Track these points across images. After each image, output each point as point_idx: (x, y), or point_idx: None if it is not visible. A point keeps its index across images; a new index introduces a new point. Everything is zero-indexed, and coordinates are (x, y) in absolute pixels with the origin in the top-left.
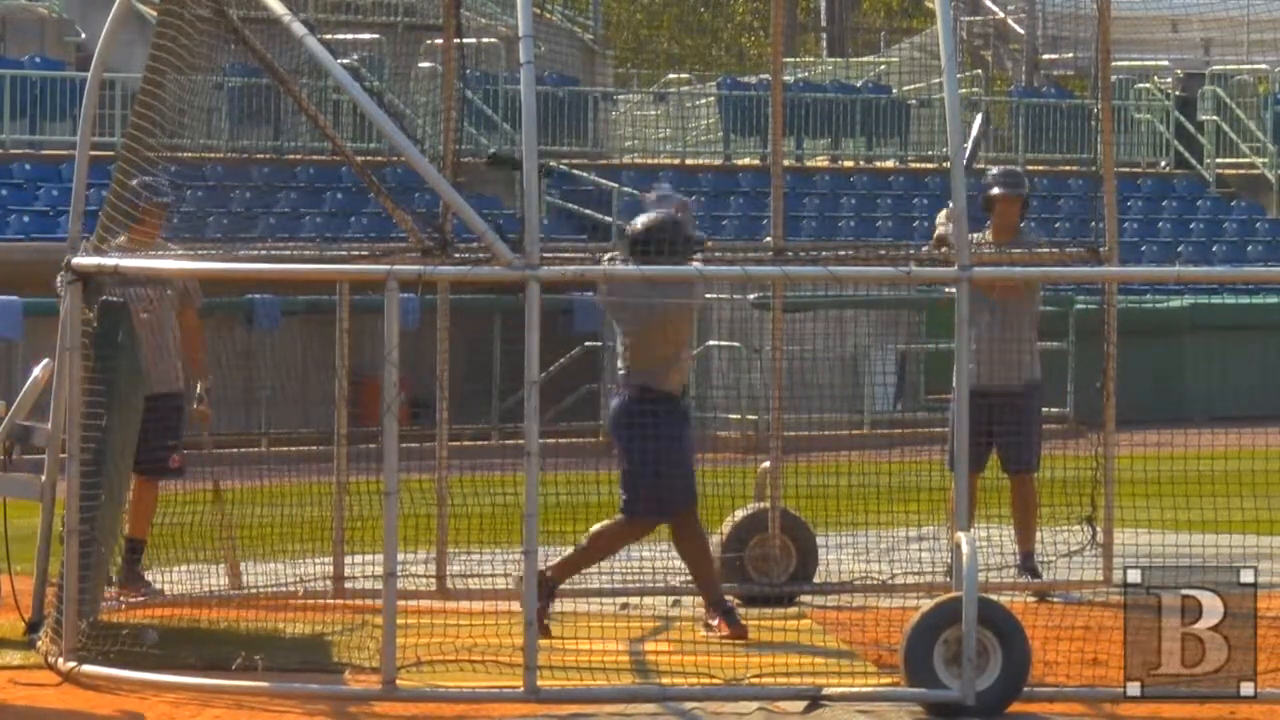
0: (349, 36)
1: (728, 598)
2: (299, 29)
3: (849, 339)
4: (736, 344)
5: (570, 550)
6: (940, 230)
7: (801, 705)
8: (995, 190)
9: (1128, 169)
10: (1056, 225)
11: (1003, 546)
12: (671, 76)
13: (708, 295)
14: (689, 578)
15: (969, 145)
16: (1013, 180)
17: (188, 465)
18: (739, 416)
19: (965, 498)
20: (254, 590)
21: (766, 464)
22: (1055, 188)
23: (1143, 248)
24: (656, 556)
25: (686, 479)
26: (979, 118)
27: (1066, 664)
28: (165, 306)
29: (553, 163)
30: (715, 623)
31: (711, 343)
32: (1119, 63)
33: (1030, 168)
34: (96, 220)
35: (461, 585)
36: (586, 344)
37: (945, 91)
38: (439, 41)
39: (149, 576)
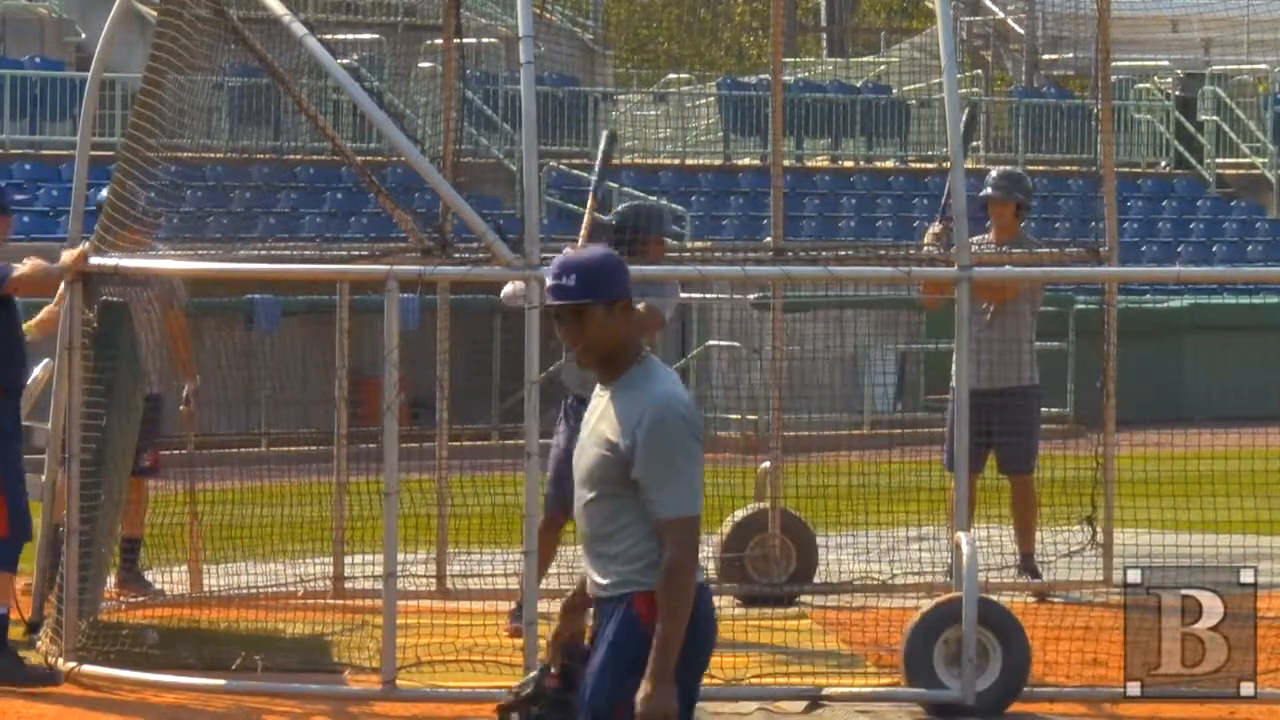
0: (349, 36)
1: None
2: (299, 29)
3: (849, 339)
4: (736, 344)
5: None
6: (927, 243)
7: (801, 705)
8: (985, 192)
9: (1128, 169)
10: (1056, 225)
11: (1003, 546)
12: (671, 76)
13: (707, 295)
14: None
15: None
16: (1005, 183)
17: (179, 466)
18: (739, 416)
19: (965, 498)
20: (254, 590)
21: (766, 464)
22: (1055, 188)
23: (1143, 248)
24: None
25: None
26: (966, 112)
27: (1066, 664)
28: (154, 306)
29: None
30: None
31: (711, 343)
32: (1119, 63)
33: (1030, 168)
34: (96, 220)
35: (461, 585)
36: None
37: (945, 91)
38: (439, 41)
39: (149, 577)
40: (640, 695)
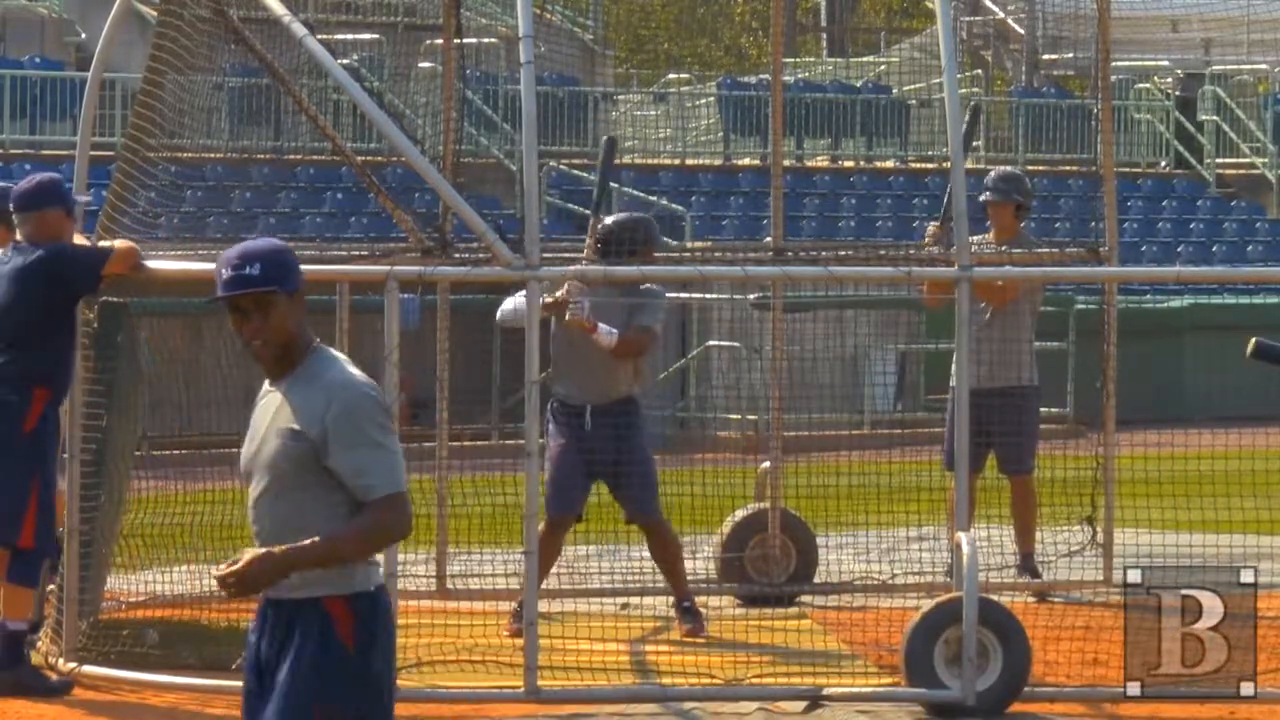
0: (349, 36)
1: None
2: (299, 29)
3: (849, 339)
4: (736, 344)
5: None
6: (928, 243)
7: (801, 705)
8: (984, 196)
9: (1128, 169)
10: (1056, 225)
11: (1003, 546)
12: (671, 76)
13: (707, 295)
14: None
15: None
16: (1003, 185)
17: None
18: (739, 416)
19: (965, 498)
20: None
21: (766, 464)
22: (1055, 188)
23: (1143, 248)
24: None
25: (577, 484)
26: (969, 110)
27: (1066, 664)
28: None
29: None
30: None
31: (711, 343)
32: (1119, 63)
33: (1030, 168)
34: (96, 220)
35: (461, 585)
36: None
37: (945, 91)
38: (439, 41)
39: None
40: (253, 553)
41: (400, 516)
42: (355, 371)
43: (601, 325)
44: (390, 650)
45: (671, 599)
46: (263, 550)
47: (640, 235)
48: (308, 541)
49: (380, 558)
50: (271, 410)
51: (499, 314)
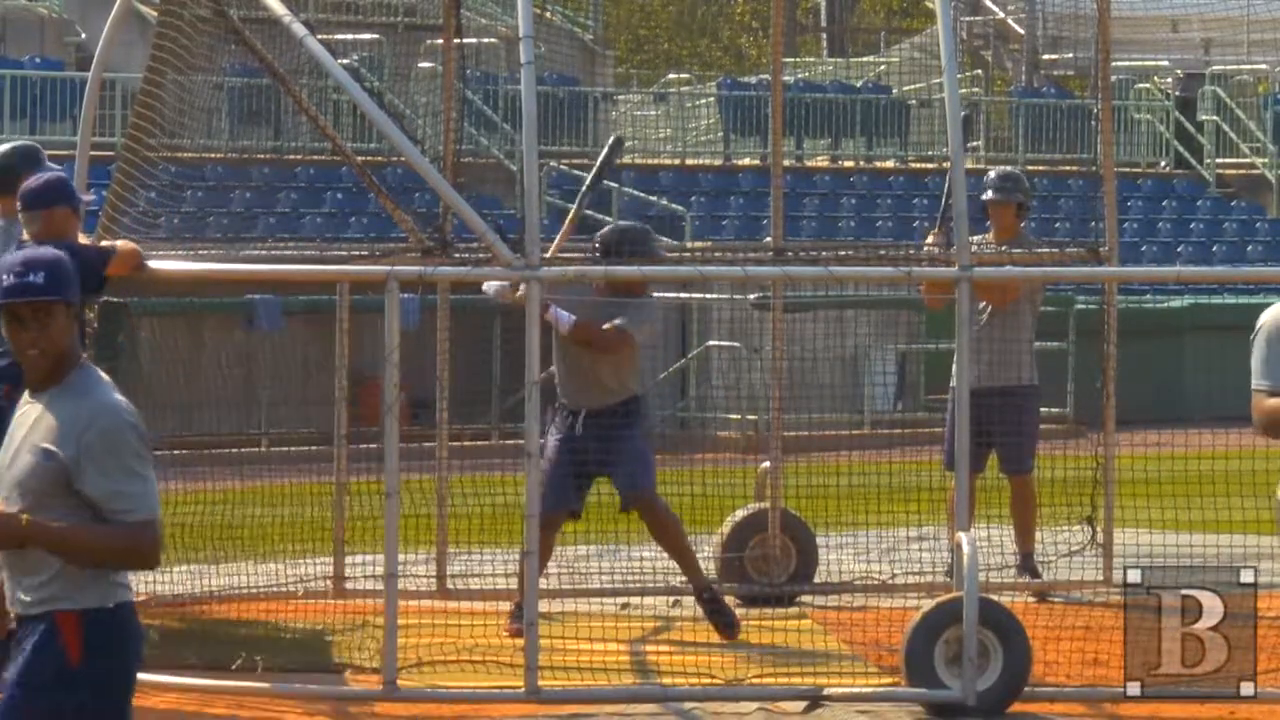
0: (349, 36)
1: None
2: (299, 29)
3: (849, 339)
4: (737, 344)
5: None
6: (928, 244)
7: (801, 705)
8: (986, 196)
9: (1128, 169)
10: (1056, 225)
11: (1003, 546)
12: (671, 76)
13: (707, 295)
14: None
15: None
16: (1006, 184)
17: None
18: (739, 416)
19: (965, 498)
20: (254, 590)
21: (766, 464)
22: (1055, 188)
23: (1143, 248)
24: (657, 557)
25: (568, 483)
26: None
27: (1066, 664)
28: None
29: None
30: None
31: (711, 343)
32: (1119, 63)
33: (1030, 168)
34: (96, 220)
35: (461, 585)
36: None
37: (945, 91)
38: (439, 41)
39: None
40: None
41: (151, 543)
42: (119, 396)
43: (558, 310)
44: (128, 669)
45: (672, 598)
46: (9, 511)
47: (640, 243)
48: (56, 523)
49: (128, 576)
50: (29, 423)
51: (484, 284)
